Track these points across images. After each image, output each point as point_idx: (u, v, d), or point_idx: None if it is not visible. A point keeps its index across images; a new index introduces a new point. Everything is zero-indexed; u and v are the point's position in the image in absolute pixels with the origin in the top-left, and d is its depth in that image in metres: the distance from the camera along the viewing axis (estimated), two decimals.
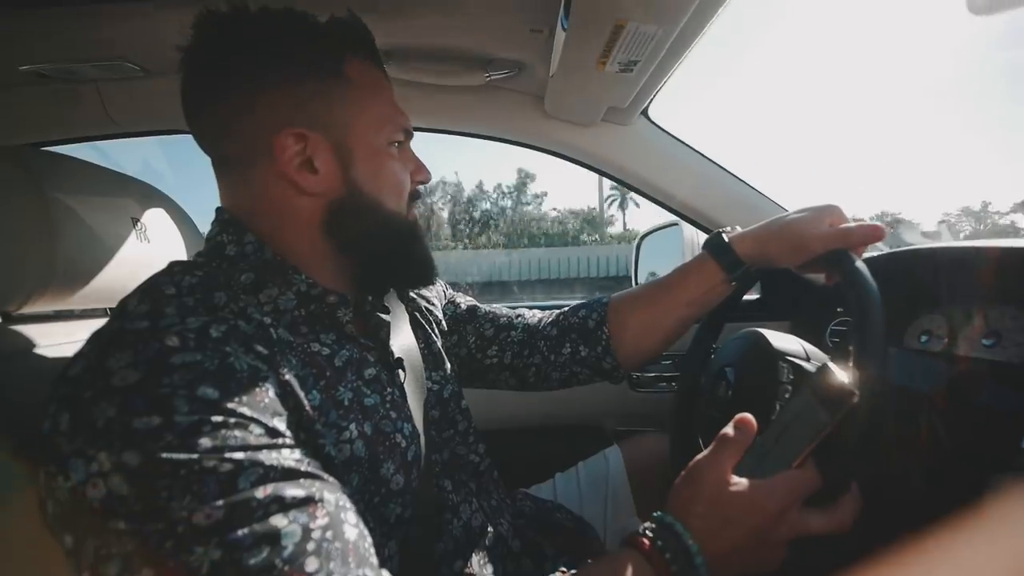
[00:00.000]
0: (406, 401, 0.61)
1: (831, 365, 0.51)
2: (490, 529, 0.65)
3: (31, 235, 0.61)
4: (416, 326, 0.73)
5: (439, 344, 0.75)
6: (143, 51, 0.91)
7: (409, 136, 0.63)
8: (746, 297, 1.24)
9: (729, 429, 0.51)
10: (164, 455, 0.36)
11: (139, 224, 0.76)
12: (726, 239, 0.74)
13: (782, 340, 0.71)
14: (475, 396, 0.81)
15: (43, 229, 0.61)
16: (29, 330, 0.65)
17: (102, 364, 0.40)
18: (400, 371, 0.63)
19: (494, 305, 0.89)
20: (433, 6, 0.81)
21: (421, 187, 0.66)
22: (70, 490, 0.37)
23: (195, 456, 0.37)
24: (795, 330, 1.09)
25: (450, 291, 0.90)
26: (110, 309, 0.77)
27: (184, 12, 0.58)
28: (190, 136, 0.59)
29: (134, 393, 0.38)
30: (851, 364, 0.50)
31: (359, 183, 0.57)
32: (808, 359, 0.68)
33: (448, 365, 0.75)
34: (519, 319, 0.85)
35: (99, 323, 0.50)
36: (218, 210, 0.58)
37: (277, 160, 0.54)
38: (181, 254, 0.81)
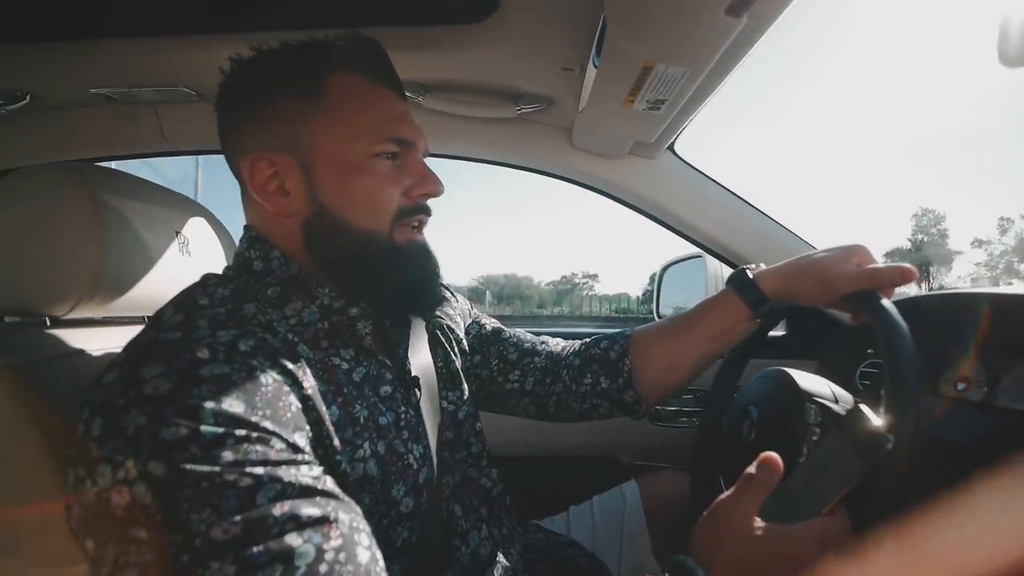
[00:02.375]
0: (420, 421, 0.61)
1: (864, 409, 0.50)
2: (500, 559, 0.64)
3: (82, 244, 0.65)
4: (435, 344, 0.73)
5: (457, 364, 0.74)
6: (198, 78, 0.97)
7: (408, 146, 0.60)
8: (772, 334, 1.23)
9: (754, 469, 0.49)
10: (188, 466, 0.37)
11: (182, 237, 0.80)
12: (750, 275, 0.73)
13: (808, 380, 0.70)
14: (491, 421, 0.81)
15: (93, 239, 0.65)
16: (74, 334, 0.68)
17: (135, 373, 0.41)
18: (416, 389, 0.63)
19: (518, 330, 0.89)
20: (470, 44, 0.84)
21: (428, 201, 0.62)
22: (96, 495, 0.38)
23: (217, 469, 0.38)
24: (823, 370, 1.07)
25: (475, 310, 0.89)
26: (149, 318, 0.81)
27: (236, 43, 0.63)
28: None
29: (164, 403, 0.39)
30: (883, 409, 0.49)
31: (324, 200, 0.57)
32: (836, 401, 0.67)
33: (465, 386, 0.74)
34: (543, 346, 0.84)
35: (135, 330, 0.53)
36: (245, 227, 0.61)
37: (249, 184, 0.57)
38: (220, 266, 0.85)
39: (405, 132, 0.59)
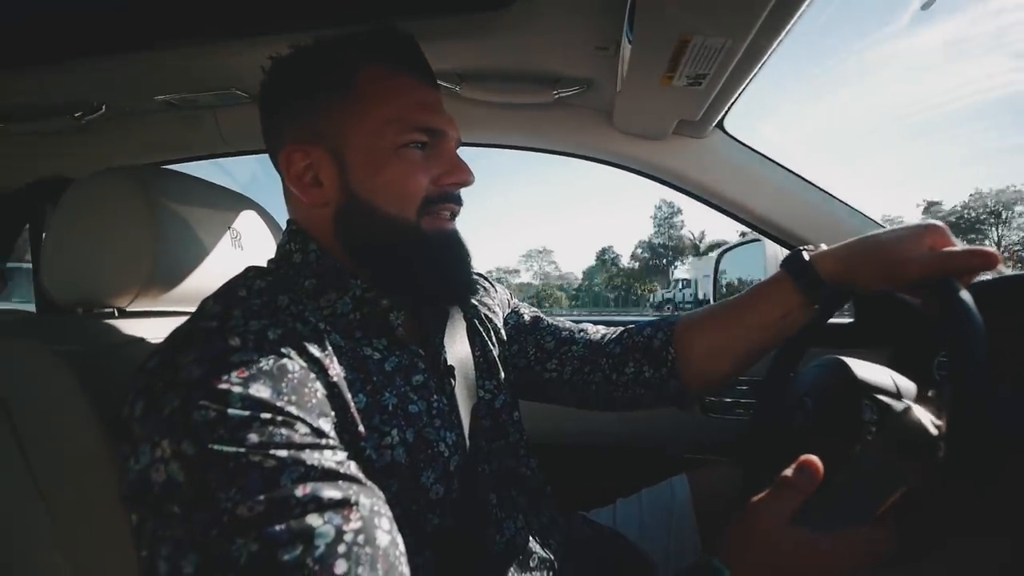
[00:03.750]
0: (454, 409, 0.61)
1: (916, 408, 0.45)
2: (536, 549, 0.63)
3: (137, 241, 0.70)
4: (473, 333, 0.73)
5: (495, 353, 0.74)
6: (248, 80, 1.02)
7: (438, 136, 0.60)
8: (839, 320, 1.15)
9: (791, 472, 0.46)
10: (216, 447, 0.39)
11: (234, 232, 0.85)
12: (807, 257, 0.67)
13: (868, 371, 0.64)
14: (539, 411, 0.80)
15: (147, 236, 0.70)
16: (137, 324, 0.73)
17: (173, 358, 0.44)
18: (451, 378, 0.63)
19: (559, 318, 0.87)
20: (500, 29, 0.83)
21: (458, 190, 0.62)
22: (138, 473, 0.40)
23: (243, 450, 0.39)
24: (896, 359, 0.98)
25: (514, 300, 0.89)
26: None
27: (278, 43, 0.66)
28: None
29: (196, 387, 0.41)
30: (945, 412, 0.44)
31: (355, 189, 0.58)
32: (899, 395, 0.61)
33: (503, 375, 0.73)
34: (581, 334, 0.82)
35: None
36: (288, 221, 0.63)
37: (286, 176, 0.59)
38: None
39: (434, 121, 0.60)
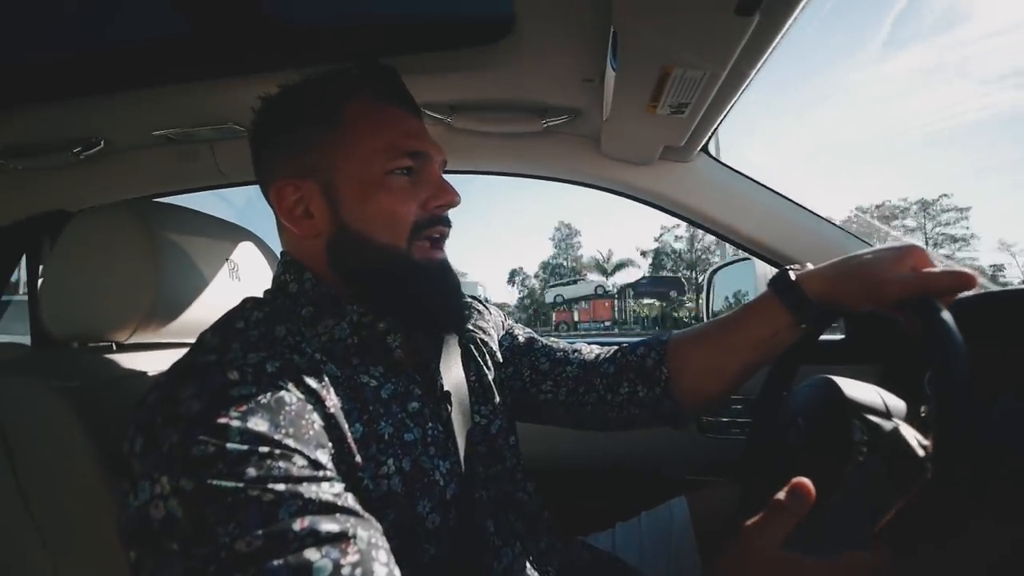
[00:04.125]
0: (450, 436, 0.61)
1: (903, 428, 0.46)
2: (537, 574, 0.63)
3: (139, 275, 0.71)
4: (468, 358, 0.73)
5: (490, 377, 0.74)
6: (245, 115, 1.05)
7: (423, 160, 0.62)
8: (831, 337, 1.16)
9: (783, 495, 0.45)
10: (214, 482, 0.39)
11: (232, 263, 0.86)
12: (793, 277, 0.68)
13: (857, 390, 0.65)
14: (534, 434, 0.80)
15: (149, 269, 0.71)
16: (136, 357, 0.74)
17: (173, 393, 0.44)
18: (447, 404, 0.63)
19: (552, 339, 0.87)
20: (490, 63, 0.86)
21: (446, 212, 0.64)
22: (136, 509, 0.41)
23: (241, 484, 0.40)
24: (888, 375, 0.99)
25: (508, 322, 0.89)
26: None
27: (272, 80, 0.68)
28: None
29: (195, 422, 0.42)
30: (931, 433, 0.45)
31: (346, 219, 0.59)
32: (888, 414, 0.62)
33: (498, 399, 0.73)
34: (575, 355, 0.82)
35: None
36: (281, 253, 0.65)
37: (277, 210, 0.61)
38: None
39: (417, 145, 0.62)
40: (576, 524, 0.93)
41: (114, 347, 0.76)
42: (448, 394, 0.64)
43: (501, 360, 0.81)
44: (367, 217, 0.59)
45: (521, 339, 0.86)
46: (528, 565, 0.64)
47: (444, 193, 0.63)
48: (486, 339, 0.80)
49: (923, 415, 0.58)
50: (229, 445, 0.41)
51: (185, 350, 0.82)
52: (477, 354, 0.75)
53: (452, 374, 0.67)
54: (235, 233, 0.93)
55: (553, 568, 0.67)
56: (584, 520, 0.94)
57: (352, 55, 0.84)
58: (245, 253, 0.91)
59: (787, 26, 0.63)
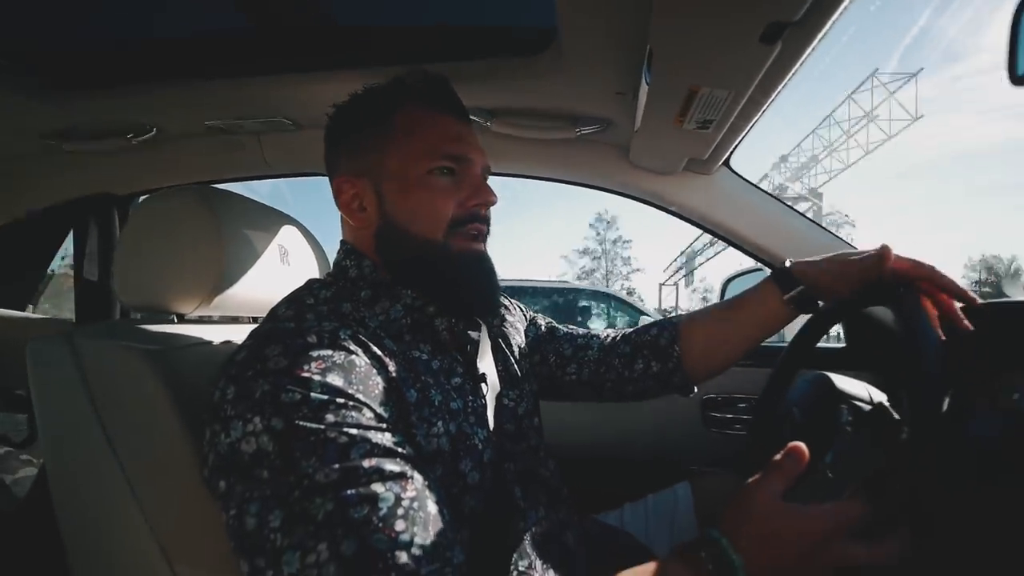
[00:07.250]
0: (485, 410, 0.68)
1: (887, 404, 0.52)
2: (556, 538, 0.70)
3: (206, 255, 0.77)
4: (497, 349, 0.81)
5: (516, 366, 0.82)
6: (297, 110, 1.12)
7: (464, 163, 0.67)
8: (830, 345, 1.22)
9: (780, 456, 0.51)
10: (300, 423, 0.47)
11: (283, 248, 0.93)
12: (788, 264, 0.81)
13: (846, 383, 0.73)
14: (553, 424, 0.87)
15: (216, 250, 0.77)
16: (197, 329, 0.80)
17: (260, 352, 0.52)
18: (483, 384, 0.70)
19: (570, 326, 0.97)
20: (531, 73, 0.93)
21: (484, 211, 0.69)
22: (229, 444, 0.49)
23: (322, 427, 0.47)
24: (886, 384, 1.05)
25: (530, 312, 0.98)
26: (254, 318, 0.93)
27: (328, 79, 0.74)
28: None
29: (283, 374, 0.49)
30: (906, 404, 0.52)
31: (390, 214, 0.67)
32: (871, 402, 0.69)
33: (525, 386, 0.81)
34: (595, 339, 0.92)
35: (242, 328, 0.63)
36: (342, 241, 0.73)
37: (338, 202, 0.69)
38: (313, 274, 0.97)
39: (459, 149, 0.67)
40: (587, 504, 0.99)
41: (175, 319, 0.82)
42: (484, 375, 0.71)
43: (527, 350, 0.90)
44: (408, 211, 0.66)
45: (544, 328, 0.95)
46: (549, 529, 0.70)
47: (481, 193, 0.68)
48: (513, 332, 0.88)
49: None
50: (312, 394, 0.49)
51: (237, 325, 0.90)
52: (504, 346, 0.83)
53: (485, 361, 0.75)
54: (284, 220, 0.99)
55: (570, 537, 0.74)
56: (595, 502, 1.00)
57: (403, 57, 0.91)
58: (294, 240, 0.97)
59: (806, 55, 0.69)
